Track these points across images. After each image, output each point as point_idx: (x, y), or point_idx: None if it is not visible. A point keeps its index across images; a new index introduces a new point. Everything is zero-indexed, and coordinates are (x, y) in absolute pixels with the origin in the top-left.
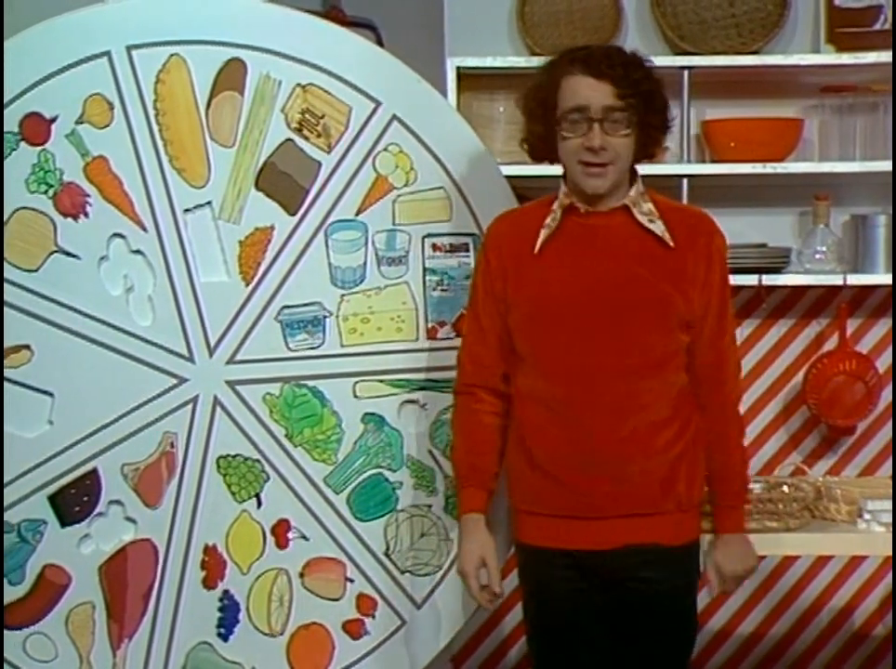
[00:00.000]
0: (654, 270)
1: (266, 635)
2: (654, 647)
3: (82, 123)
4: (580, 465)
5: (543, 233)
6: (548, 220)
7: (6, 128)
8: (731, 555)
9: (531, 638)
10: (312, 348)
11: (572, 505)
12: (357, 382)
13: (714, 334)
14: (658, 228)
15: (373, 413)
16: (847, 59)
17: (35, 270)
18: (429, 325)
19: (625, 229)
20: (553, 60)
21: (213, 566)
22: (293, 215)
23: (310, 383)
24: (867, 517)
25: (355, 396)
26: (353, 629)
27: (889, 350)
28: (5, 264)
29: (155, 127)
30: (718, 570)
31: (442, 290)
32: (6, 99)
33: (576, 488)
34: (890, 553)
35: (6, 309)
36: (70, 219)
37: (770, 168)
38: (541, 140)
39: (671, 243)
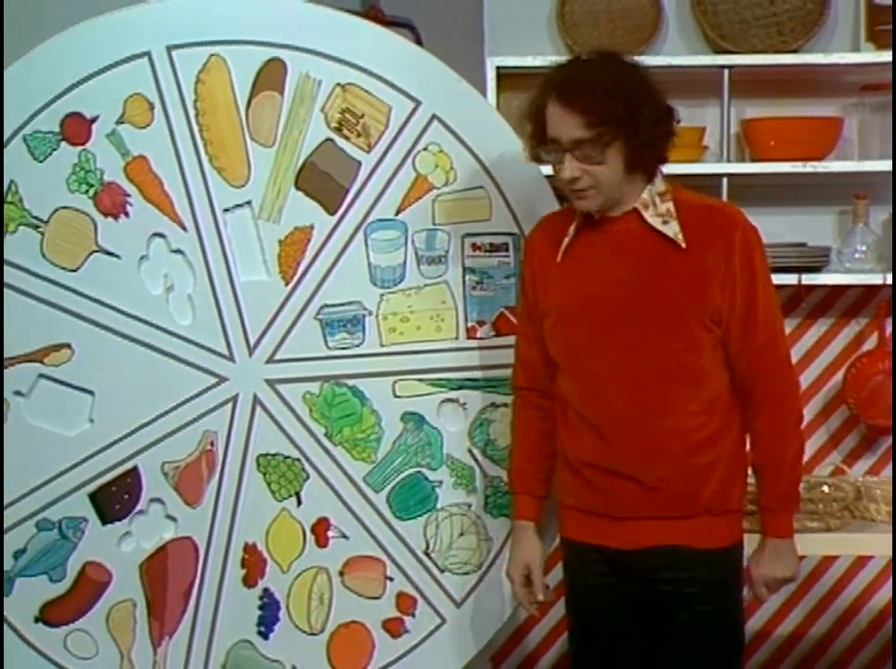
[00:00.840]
0: (668, 272)
1: (306, 633)
2: (686, 648)
3: (122, 123)
4: (605, 467)
5: (564, 241)
6: (570, 228)
7: (46, 128)
8: (766, 559)
9: (569, 632)
10: (352, 347)
11: (602, 503)
12: (396, 381)
13: (743, 332)
14: (671, 229)
15: (412, 412)
16: (887, 56)
17: (76, 270)
18: (469, 324)
19: (638, 232)
20: (547, 75)
21: (253, 564)
22: (332, 214)
23: (350, 382)
24: None
25: (395, 395)
26: (393, 628)
27: None
28: (46, 264)
29: (195, 127)
30: (751, 573)
31: (482, 289)
32: (47, 100)
33: (603, 489)
34: None
35: (47, 308)
36: (110, 219)
37: (809, 167)
38: (538, 150)
39: (683, 244)
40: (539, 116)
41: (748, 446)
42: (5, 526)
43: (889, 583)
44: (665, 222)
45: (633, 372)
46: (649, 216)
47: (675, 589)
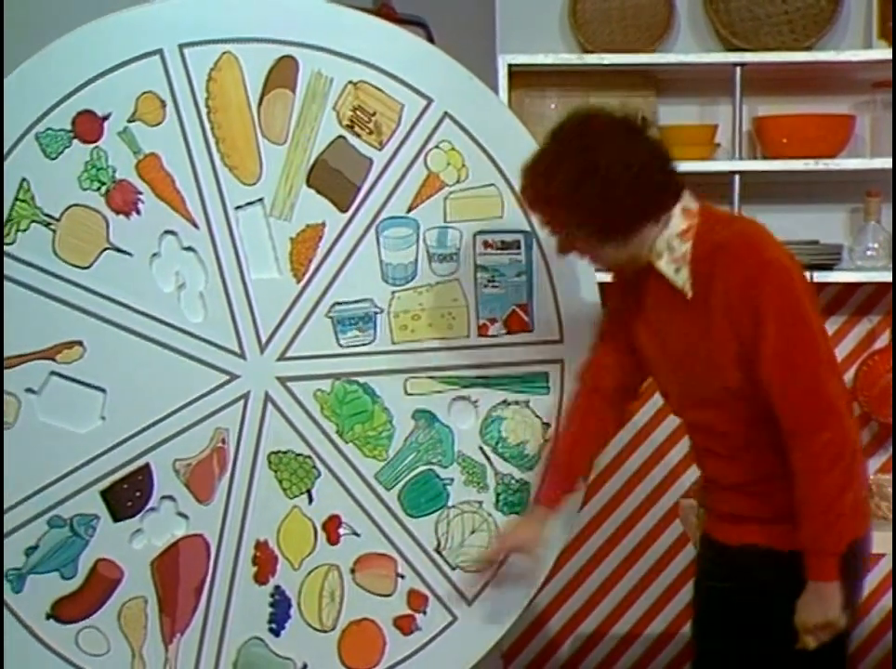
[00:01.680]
0: (683, 320)
1: (317, 630)
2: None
3: (134, 120)
4: None
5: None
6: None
7: (58, 126)
8: (805, 603)
9: None
10: (363, 345)
11: None
12: (408, 378)
13: (765, 374)
14: (681, 277)
15: (423, 410)
16: None
17: (88, 267)
18: (480, 322)
19: (660, 281)
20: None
21: (264, 561)
22: (344, 212)
23: (361, 379)
24: None
25: (406, 392)
26: (404, 625)
27: None
28: (58, 261)
29: (207, 125)
30: (794, 620)
31: (494, 287)
32: (59, 97)
33: None
34: None
35: (58, 306)
36: (122, 216)
37: (821, 164)
38: None
39: (689, 295)
40: None
41: None
42: (16, 523)
43: None
44: (677, 270)
45: (681, 405)
46: (663, 265)
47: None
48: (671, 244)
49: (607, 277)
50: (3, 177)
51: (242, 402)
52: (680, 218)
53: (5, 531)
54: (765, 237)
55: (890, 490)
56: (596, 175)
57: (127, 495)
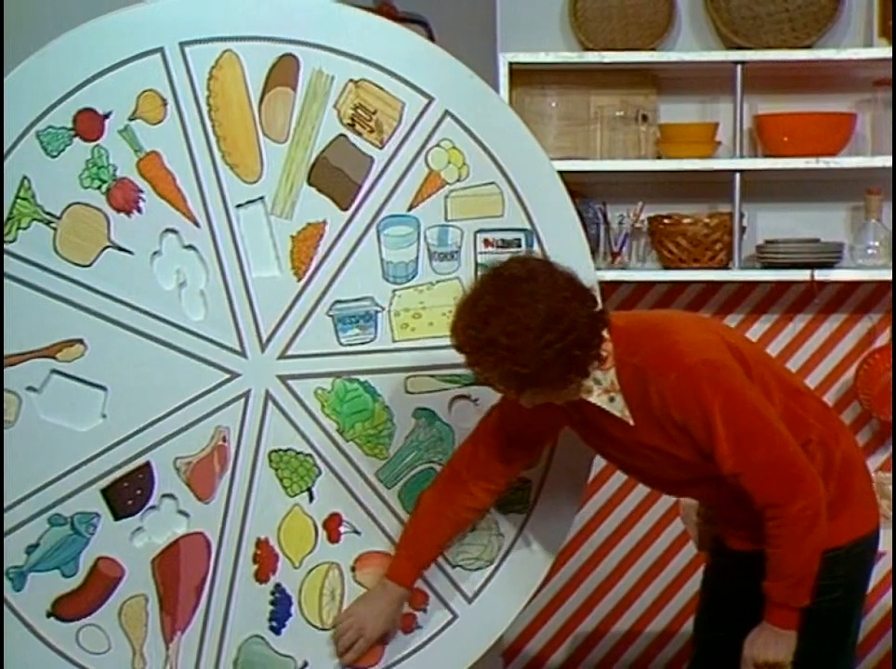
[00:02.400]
0: (638, 435)
1: (318, 628)
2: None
3: (135, 119)
4: None
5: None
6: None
7: (59, 124)
8: (761, 642)
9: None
10: (364, 343)
11: None
12: (408, 377)
13: (728, 469)
14: (616, 407)
15: (424, 408)
16: None
17: (89, 265)
18: None
19: (604, 412)
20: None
21: (265, 560)
22: (345, 210)
23: (362, 378)
24: None
25: (407, 391)
26: (405, 623)
27: None
28: (59, 259)
29: (208, 123)
30: (743, 652)
31: None
32: (60, 95)
33: None
34: None
35: (59, 304)
36: (123, 215)
37: (822, 163)
38: None
39: (631, 422)
40: None
41: None
42: (17, 521)
43: None
44: (611, 399)
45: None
46: (595, 399)
47: None
48: (596, 377)
49: (608, 275)
50: (4, 175)
51: (242, 400)
52: (600, 355)
53: (5, 529)
54: (674, 338)
55: (890, 488)
56: (534, 326)
57: (128, 493)
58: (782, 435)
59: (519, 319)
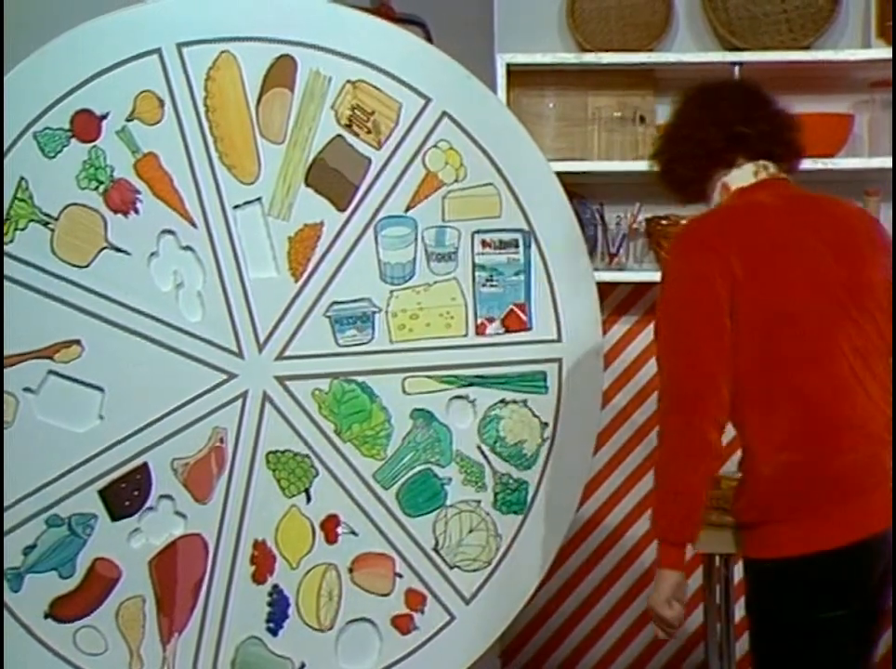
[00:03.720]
0: None
1: (315, 630)
2: None
3: (132, 119)
4: None
5: None
6: None
7: (57, 125)
8: None
9: None
10: (361, 344)
11: None
12: (406, 378)
13: None
14: None
15: (422, 409)
16: None
17: (86, 266)
18: (478, 321)
19: None
20: None
21: (262, 561)
22: (342, 211)
23: (359, 378)
24: None
25: (404, 392)
26: (402, 624)
27: None
28: (56, 260)
29: (205, 124)
30: None
31: (492, 286)
32: (57, 97)
33: None
34: None
35: (56, 305)
36: (120, 216)
37: (820, 164)
38: None
39: None
40: None
41: None
42: (15, 522)
43: None
44: None
45: None
46: None
47: None
48: None
49: (605, 276)
50: (2, 176)
51: (240, 401)
52: (718, 193)
53: (3, 529)
54: (699, 226)
55: None
56: None
57: (125, 494)
58: (685, 346)
59: None
